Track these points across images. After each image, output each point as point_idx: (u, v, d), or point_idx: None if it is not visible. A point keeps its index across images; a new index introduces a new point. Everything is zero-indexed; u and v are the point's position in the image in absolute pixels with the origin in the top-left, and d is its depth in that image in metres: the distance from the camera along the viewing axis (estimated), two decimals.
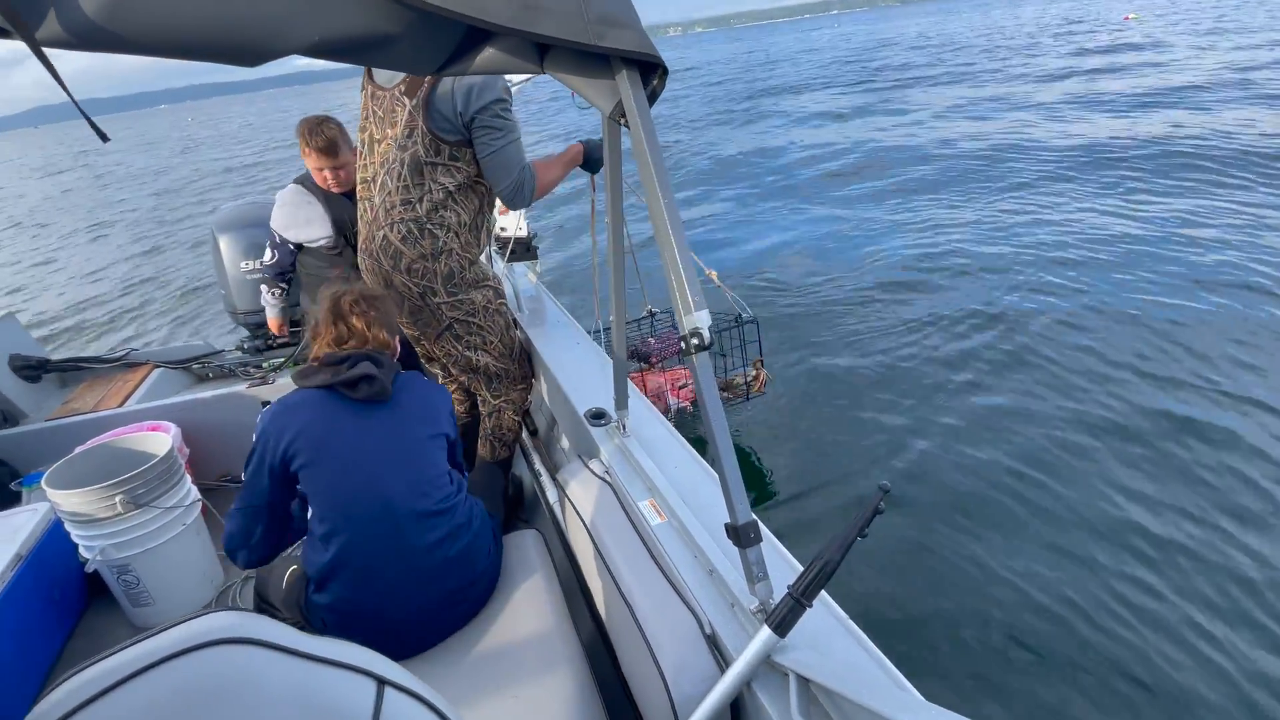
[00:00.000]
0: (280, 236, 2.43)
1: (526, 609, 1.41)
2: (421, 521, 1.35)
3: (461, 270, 1.90)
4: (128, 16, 0.75)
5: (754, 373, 2.48)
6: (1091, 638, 2.22)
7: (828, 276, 5.58)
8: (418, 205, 1.82)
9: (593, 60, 0.94)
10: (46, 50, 0.75)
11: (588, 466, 1.53)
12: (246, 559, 1.46)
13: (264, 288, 2.57)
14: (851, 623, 0.96)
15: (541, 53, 0.98)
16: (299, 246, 2.45)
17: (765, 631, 0.87)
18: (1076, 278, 4.90)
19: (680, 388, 2.64)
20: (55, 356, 2.89)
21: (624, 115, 0.94)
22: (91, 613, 2.07)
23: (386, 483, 1.34)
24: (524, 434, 2.47)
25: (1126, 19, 27.31)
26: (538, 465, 2.30)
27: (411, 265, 1.85)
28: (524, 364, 2.16)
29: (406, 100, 1.77)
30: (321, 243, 2.40)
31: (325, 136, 2.16)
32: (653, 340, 2.66)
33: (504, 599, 1.46)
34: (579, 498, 1.46)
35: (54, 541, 1.96)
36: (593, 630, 1.60)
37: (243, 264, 2.82)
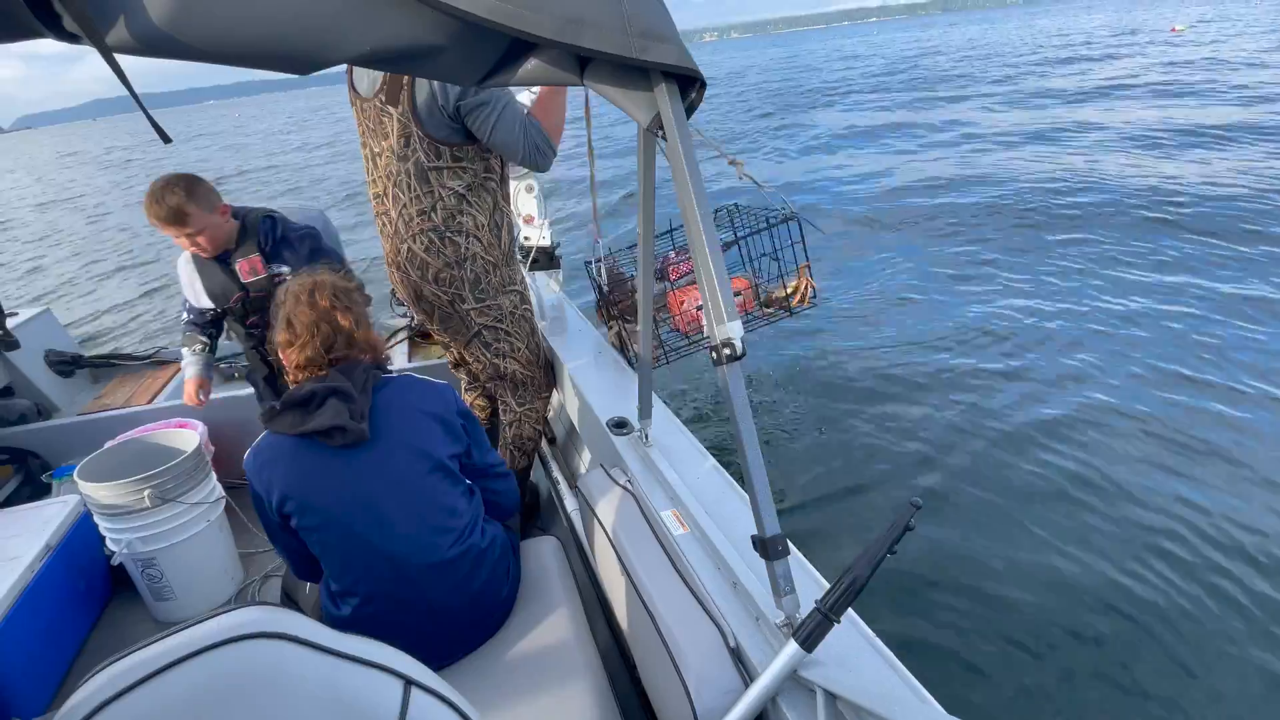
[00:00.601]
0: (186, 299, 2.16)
1: (545, 618, 1.41)
2: (436, 570, 1.27)
3: (488, 274, 1.89)
4: (192, 26, 0.78)
5: (795, 283, 2.11)
6: (1135, 663, 2.16)
7: (863, 282, 5.56)
8: (433, 214, 1.79)
9: (632, 73, 0.96)
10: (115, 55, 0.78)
11: (609, 475, 1.53)
12: (312, 579, 1.43)
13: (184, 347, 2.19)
14: (879, 640, 0.95)
15: (581, 65, 1.00)
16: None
17: (792, 646, 0.87)
18: (1126, 290, 4.82)
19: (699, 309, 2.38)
20: (89, 353, 2.96)
21: (661, 128, 0.96)
22: (115, 605, 2.10)
23: (391, 537, 1.23)
24: (542, 442, 2.48)
25: (1174, 31, 26.92)
26: (556, 473, 2.30)
27: (439, 275, 1.85)
28: (548, 372, 2.15)
29: (392, 109, 1.72)
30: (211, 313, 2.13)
31: (167, 206, 1.80)
32: (673, 253, 2.43)
33: (523, 608, 1.46)
34: (600, 506, 1.47)
35: (82, 534, 1.99)
36: (610, 639, 1.60)
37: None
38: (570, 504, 2.07)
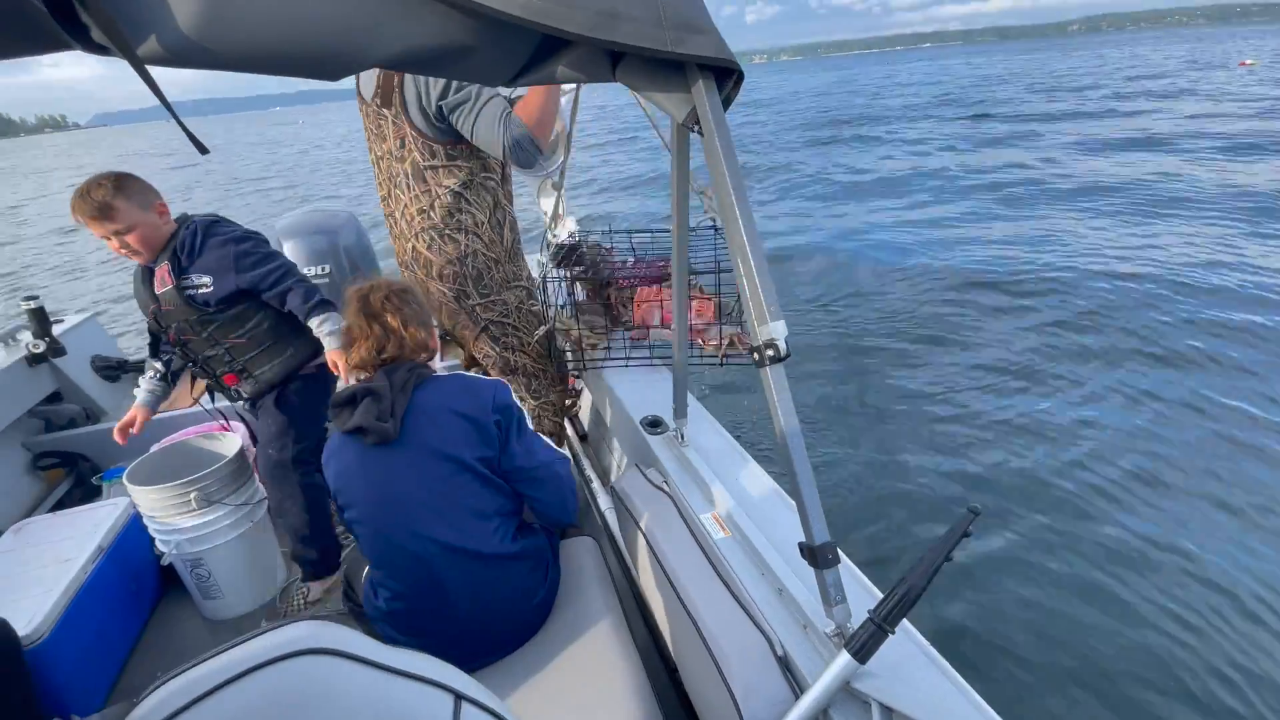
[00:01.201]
0: None
1: (584, 620, 1.40)
2: (464, 573, 1.27)
3: (490, 270, 1.90)
4: (222, 35, 0.77)
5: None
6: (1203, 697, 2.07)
7: (906, 283, 5.45)
8: (431, 213, 1.81)
9: (666, 67, 0.93)
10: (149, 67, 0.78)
11: (644, 475, 1.51)
12: None
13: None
14: (934, 651, 0.91)
15: (614, 60, 0.97)
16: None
17: (844, 657, 0.84)
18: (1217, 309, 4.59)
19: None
20: (133, 358, 3.05)
21: (698, 122, 0.92)
22: (165, 603, 2.16)
23: (417, 538, 1.25)
24: (575, 439, 2.48)
25: (1244, 65, 25.68)
26: (589, 471, 2.30)
27: (442, 271, 1.87)
28: (561, 364, 2.15)
29: (387, 112, 1.74)
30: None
31: (93, 200, 1.63)
32: (630, 260, 2.27)
33: (561, 609, 1.45)
34: (637, 507, 1.45)
35: (132, 535, 2.05)
36: (648, 641, 1.58)
37: (306, 270, 2.92)
38: (604, 503, 2.06)
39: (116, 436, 1.89)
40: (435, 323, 1.55)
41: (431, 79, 1.64)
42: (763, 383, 0.91)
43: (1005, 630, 2.33)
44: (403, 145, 1.76)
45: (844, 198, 10.11)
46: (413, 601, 1.30)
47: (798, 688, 0.94)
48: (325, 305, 1.78)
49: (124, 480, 1.93)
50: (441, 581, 1.27)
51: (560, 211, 2.77)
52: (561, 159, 2.81)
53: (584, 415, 2.65)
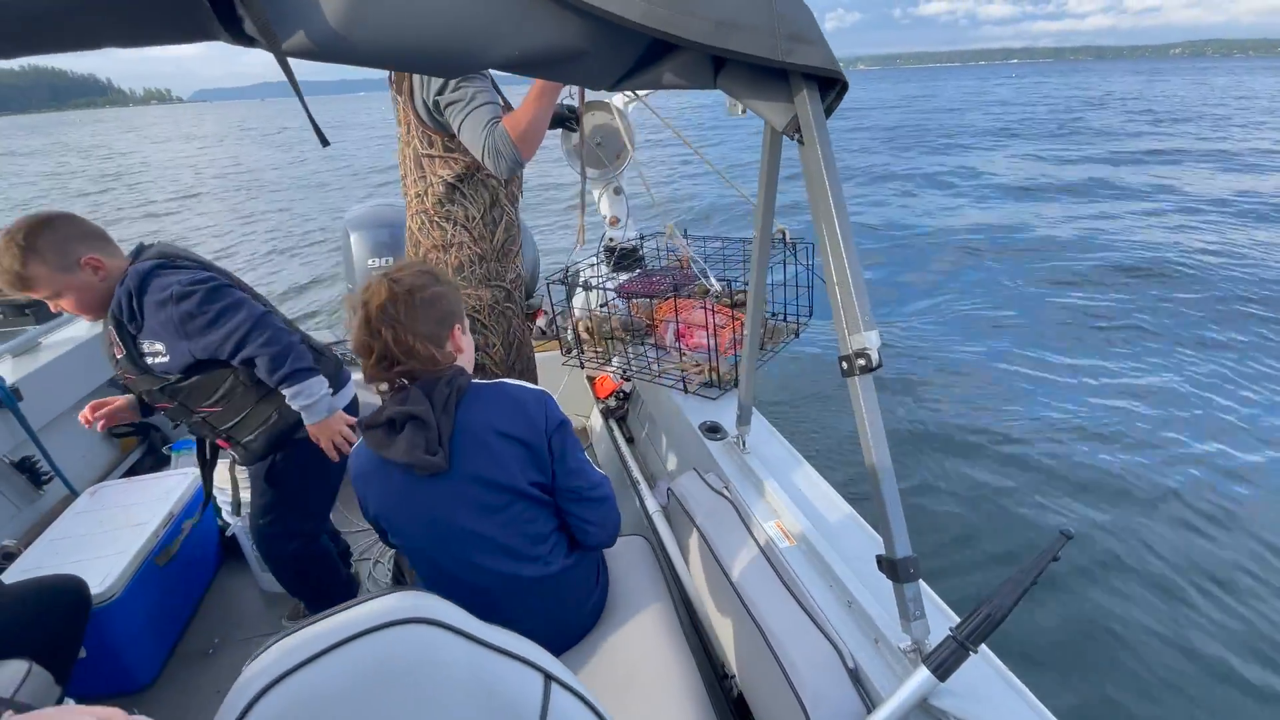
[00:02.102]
0: None
1: (637, 621, 1.41)
2: (520, 595, 1.24)
3: (472, 264, 1.91)
4: (361, 33, 0.81)
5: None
6: None
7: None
8: (425, 198, 1.85)
9: (770, 75, 0.94)
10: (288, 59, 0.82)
11: (704, 479, 1.52)
12: None
13: None
14: (1013, 676, 0.90)
15: (717, 67, 1.00)
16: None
17: (923, 673, 0.83)
18: None
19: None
20: None
21: (798, 130, 0.94)
22: (223, 573, 2.24)
23: (471, 568, 1.19)
24: (621, 443, 2.49)
25: None
26: (636, 473, 2.31)
27: (427, 254, 1.92)
28: (529, 375, 2.14)
29: (400, 96, 1.79)
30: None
31: (3, 270, 1.35)
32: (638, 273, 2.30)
33: (613, 611, 1.46)
34: (695, 510, 1.45)
35: (199, 505, 2.14)
36: (696, 642, 1.58)
37: (370, 261, 3.00)
38: (651, 505, 2.07)
39: (83, 414, 1.65)
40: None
41: None
42: (850, 392, 0.91)
43: (1090, 656, 2.28)
44: (409, 130, 1.81)
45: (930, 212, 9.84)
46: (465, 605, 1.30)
47: (868, 700, 0.94)
48: (297, 375, 1.50)
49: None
50: (496, 604, 1.24)
51: (619, 215, 2.81)
52: (624, 164, 2.86)
53: (631, 419, 2.66)
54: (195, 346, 1.46)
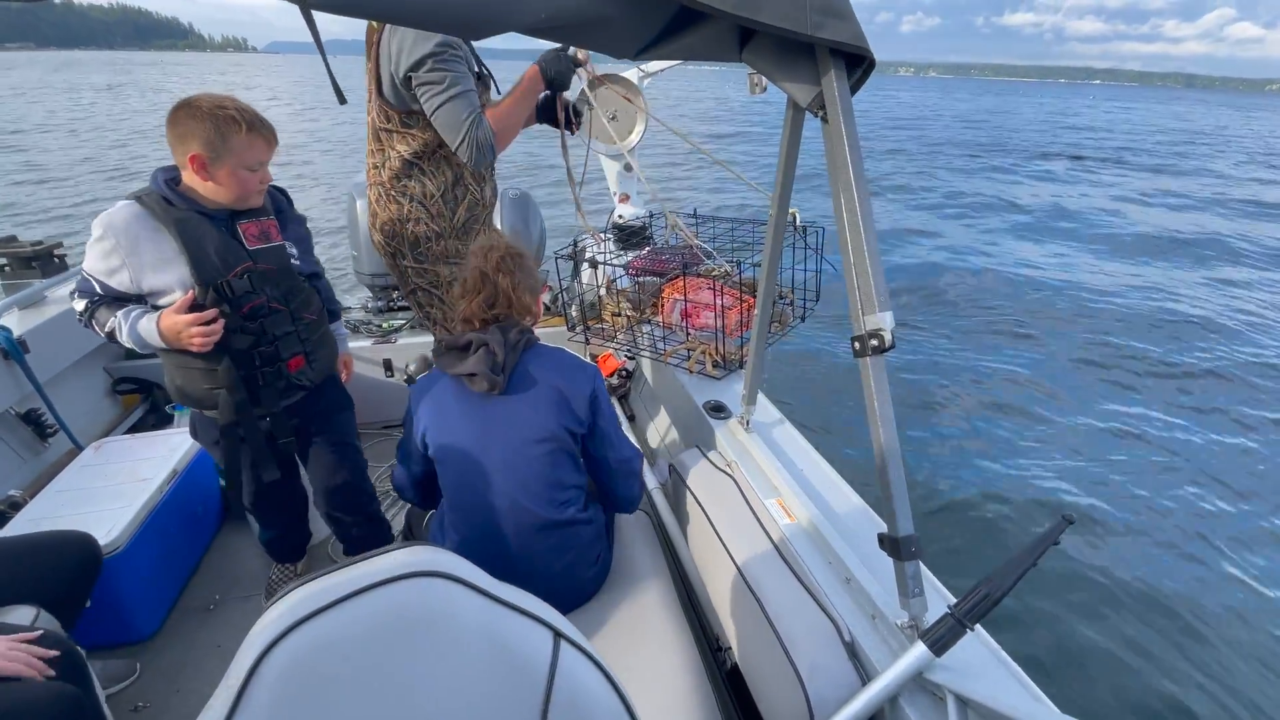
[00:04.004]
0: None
1: (636, 590, 1.43)
2: (528, 532, 1.32)
3: (429, 241, 1.89)
4: None
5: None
6: None
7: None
8: (382, 170, 1.83)
9: (796, 50, 0.94)
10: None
11: (706, 457, 1.53)
12: (412, 500, 1.54)
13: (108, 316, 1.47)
14: (1006, 655, 0.92)
15: (742, 41, 0.99)
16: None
17: (920, 648, 0.85)
18: None
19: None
20: None
21: (822, 108, 0.93)
22: (225, 532, 2.27)
23: (493, 488, 1.31)
24: (624, 419, 2.51)
25: None
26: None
27: (384, 226, 1.90)
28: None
29: (369, 65, 1.73)
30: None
31: (271, 124, 1.47)
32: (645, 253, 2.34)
33: (614, 578, 1.48)
34: (697, 485, 1.47)
35: (202, 463, 2.16)
36: (691, 614, 1.61)
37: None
38: (651, 482, 2.09)
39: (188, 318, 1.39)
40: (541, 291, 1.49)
41: (410, 46, 1.60)
42: (861, 373, 0.92)
43: (1080, 642, 2.32)
44: (369, 99, 1.78)
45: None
46: (475, 547, 1.35)
47: (865, 674, 0.96)
48: (340, 312, 1.86)
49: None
50: (505, 535, 1.32)
51: (629, 192, 2.79)
52: (635, 141, 2.83)
53: (633, 397, 2.68)
54: (309, 261, 1.64)
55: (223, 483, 2.27)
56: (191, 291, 1.40)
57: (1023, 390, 4.41)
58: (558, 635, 0.69)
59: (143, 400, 2.71)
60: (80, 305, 1.45)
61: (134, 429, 2.63)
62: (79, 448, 2.25)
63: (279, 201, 1.61)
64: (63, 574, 1.45)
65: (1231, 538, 2.94)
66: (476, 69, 1.80)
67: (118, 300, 1.45)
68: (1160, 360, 5.11)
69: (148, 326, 1.41)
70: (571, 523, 1.35)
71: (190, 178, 1.40)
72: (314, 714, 0.56)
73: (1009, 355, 5.06)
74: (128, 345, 1.45)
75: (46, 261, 2.58)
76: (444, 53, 1.64)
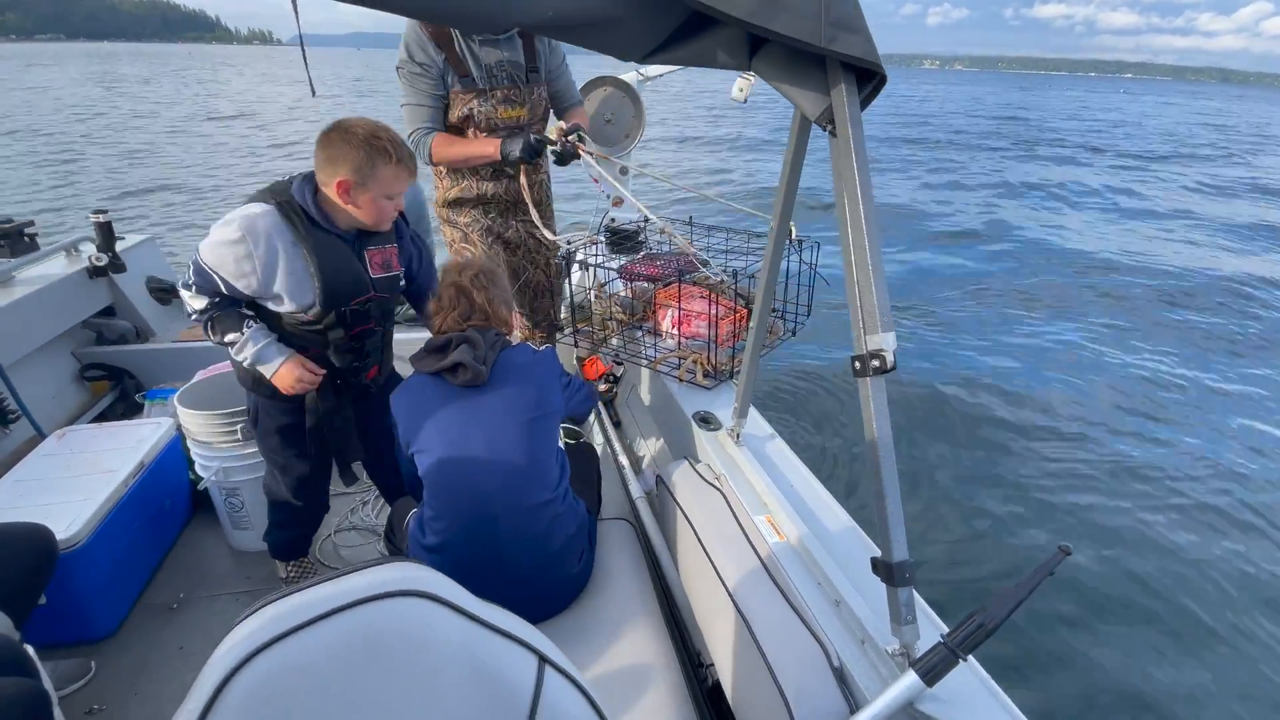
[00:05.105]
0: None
1: (617, 601, 1.40)
2: (515, 516, 1.33)
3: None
4: None
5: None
6: None
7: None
8: None
9: (807, 61, 0.92)
10: None
11: (695, 469, 1.51)
12: (415, 494, 1.53)
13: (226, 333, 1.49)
14: (998, 688, 0.90)
15: (752, 49, 0.97)
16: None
17: (911, 677, 0.83)
18: None
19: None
20: None
21: (830, 121, 0.91)
22: (192, 528, 2.19)
23: (480, 473, 1.33)
24: (608, 425, 2.48)
25: None
26: (621, 458, 2.30)
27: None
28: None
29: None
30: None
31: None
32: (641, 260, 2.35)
33: (594, 588, 1.45)
34: (684, 498, 1.45)
35: (171, 456, 2.09)
36: (673, 629, 1.59)
37: None
38: (635, 490, 2.06)
39: (311, 379, 1.53)
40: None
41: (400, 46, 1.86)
42: (860, 393, 0.90)
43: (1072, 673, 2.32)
44: None
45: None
46: (461, 542, 1.34)
47: (853, 701, 0.94)
48: None
49: (174, 402, 1.96)
50: (493, 519, 1.32)
51: (623, 196, 2.76)
52: (632, 144, 2.81)
53: (619, 403, 2.65)
54: (427, 274, 1.75)
55: (192, 476, 2.19)
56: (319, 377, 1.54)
57: (1035, 406, 4.41)
58: (543, 660, 0.66)
59: (112, 388, 2.62)
60: (200, 304, 1.45)
61: (101, 417, 2.54)
62: (41, 435, 2.16)
63: (399, 225, 1.66)
64: (15, 568, 1.38)
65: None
66: (477, 77, 1.93)
67: (233, 303, 1.47)
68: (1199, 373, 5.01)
69: (273, 361, 1.49)
70: (554, 505, 1.37)
71: (329, 196, 1.42)
72: None
73: (1005, 359, 5.13)
74: (238, 358, 1.50)
75: (16, 241, 2.49)
76: (403, 67, 1.90)
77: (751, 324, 1.36)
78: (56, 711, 1.20)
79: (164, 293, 2.88)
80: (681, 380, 1.86)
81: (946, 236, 9.01)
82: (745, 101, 2.81)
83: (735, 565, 1.19)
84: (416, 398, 1.39)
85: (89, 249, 2.65)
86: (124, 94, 27.26)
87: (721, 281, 2.04)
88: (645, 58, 0.99)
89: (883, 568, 0.89)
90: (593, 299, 2.20)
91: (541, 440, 1.38)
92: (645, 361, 1.95)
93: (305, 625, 0.56)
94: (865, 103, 0.92)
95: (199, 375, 2.18)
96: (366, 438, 1.80)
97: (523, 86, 2.01)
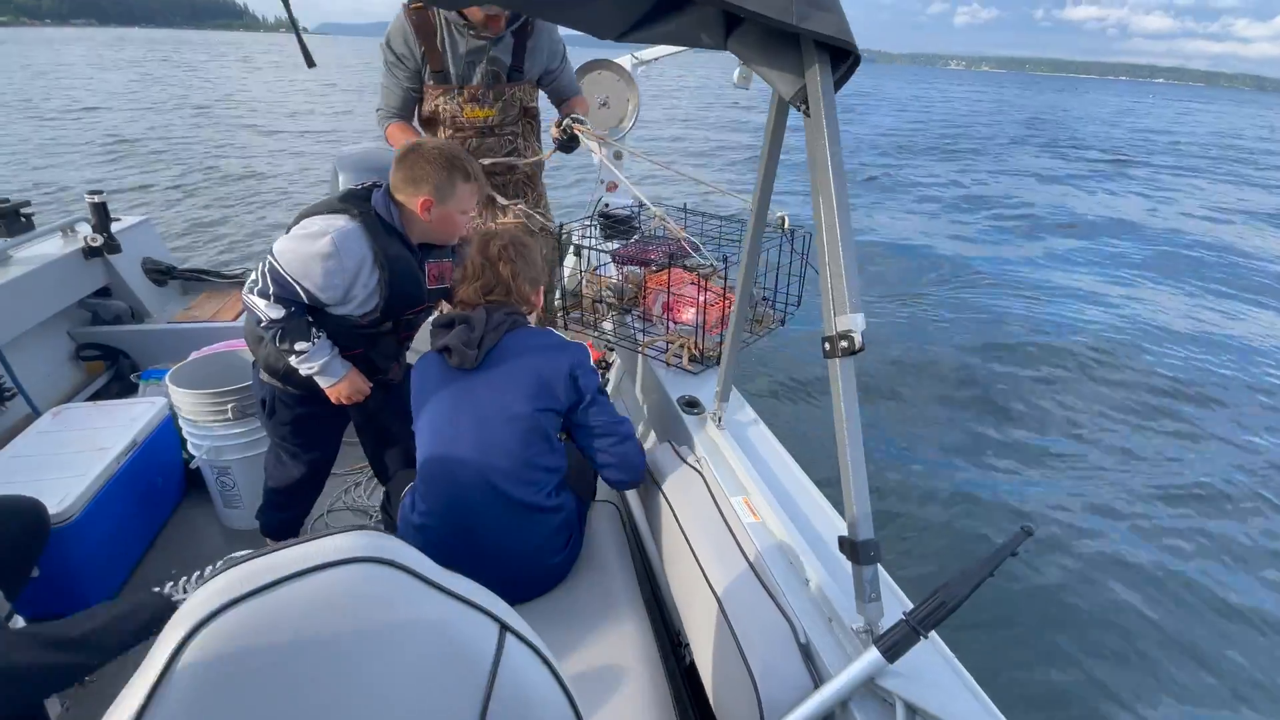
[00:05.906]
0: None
1: (600, 582, 1.42)
2: (496, 507, 1.31)
3: None
4: None
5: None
6: None
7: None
8: None
9: (782, 40, 0.92)
10: None
11: (677, 453, 1.52)
12: None
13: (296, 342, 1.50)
14: (959, 664, 0.92)
15: (728, 28, 0.96)
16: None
17: (873, 653, 0.84)
18: None
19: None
20: (181, 265, 3.10)
21: (804, 101, 0.91)
22: (185, 506, 2.22)
23: (468, 461, 1.30)
24: None
25: None
26: None
27: None
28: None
29: None
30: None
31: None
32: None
33: (579, 569, 1.47)
34: (665, 480, 1.46)
35: (164, 435, 2.11)
36: (654, 609, 1.60)
37: None
38: None
39: (365, 390, 1.62)
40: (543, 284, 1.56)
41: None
42: (830, 374, 0.90)
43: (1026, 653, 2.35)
44: None
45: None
46: (443, 524, 1.34)
47: (818, 677, 0.95)
48: None
49: (166, 381, 1.98)
50: (473, 507, 1.31)
51: (617, 181, 2.76)
52: (627, 128, 2.80)
53: (610, 388, 2.66)
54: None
55: (186, 456, 2.22)
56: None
57: (1010, 401, 4.44)
58: (504, 628, 0.67)
59: (107, 368, 2.65)
60: (278, 313, 1.43)
61: (96, 396, 2.57)
62: (36, 413, 2.19)
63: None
64: (6, 541, 1.40)
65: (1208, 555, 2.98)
66: (452, 73, 2.02)
67: (304, 311, 1.49)
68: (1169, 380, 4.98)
69: (337, 374, 1.55)
70: (539, 509, 1.34)
71: (410, 211, 1.48)
72: (241, 702, 0.54)
73: (993, 361, 5.11)
74: (303, 368, 1.51)
75: (12, 220, 2.50)
76: (385, 52, 2.03)
77: (733, 309, 1.36)
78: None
79: (159, 274, 2.89)
80: (669, 365, 1.86)
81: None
82: (748, 89, 2.80)
83: (711, 546, 1.21)
84: (422, 375, 1.41)
85: (85, 229, 2.66)
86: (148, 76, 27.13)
87: (713, 268, 2.04)
88: (621, 35, 0.99)
89: (848, 546, 0.90)
90: (583, 282, 2.20)
91: (532, 435, 1.32)
92: (633, 345, 1.96)
93: (269, 586, 0.58)
94: (839, 84, 0.92)
95: (194, 355, 2.19)
96: (378, 423, 1.85)
97: (498, 86, 2.04)
